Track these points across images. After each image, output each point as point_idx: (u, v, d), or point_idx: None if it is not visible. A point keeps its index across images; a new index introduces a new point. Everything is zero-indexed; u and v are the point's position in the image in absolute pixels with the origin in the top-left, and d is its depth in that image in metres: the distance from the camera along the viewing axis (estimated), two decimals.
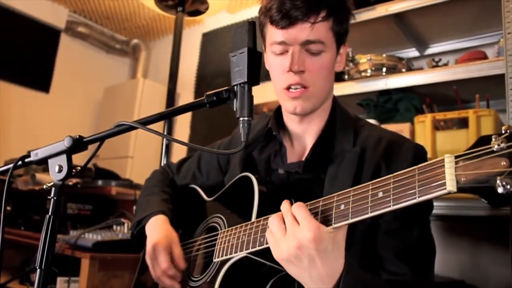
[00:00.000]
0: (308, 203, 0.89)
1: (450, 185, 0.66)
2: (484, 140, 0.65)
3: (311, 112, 1.16)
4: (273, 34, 1.11)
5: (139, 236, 1.36)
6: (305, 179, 1.15)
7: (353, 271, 0.85)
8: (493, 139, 0.64)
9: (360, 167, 1.08)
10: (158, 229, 1.26)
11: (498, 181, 0.61)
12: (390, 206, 0.74)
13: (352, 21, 1.18)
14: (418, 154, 1.09)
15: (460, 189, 0.66)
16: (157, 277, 1.21)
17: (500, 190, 0.61)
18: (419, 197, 0.70)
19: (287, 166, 1.19)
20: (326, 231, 0.81)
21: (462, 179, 0.65)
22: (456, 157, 0.67)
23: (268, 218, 0.96)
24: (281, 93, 1.14)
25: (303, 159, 1.18)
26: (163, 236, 1.22)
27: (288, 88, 1.11)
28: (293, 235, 0.81)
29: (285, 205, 0.88)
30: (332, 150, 1.14)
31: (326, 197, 0.86)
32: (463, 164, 0.66)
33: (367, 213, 0.77)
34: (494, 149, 0.63)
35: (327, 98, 1.20)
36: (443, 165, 0.68)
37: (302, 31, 1.06)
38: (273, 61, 1.14)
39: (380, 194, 0.76)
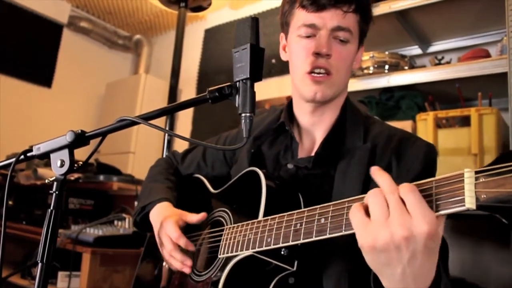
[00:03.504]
0: (418, 182, 0.72)
1: (469, 202, 0.62)
2: (507, 156, 0.61)
3: (326, 103, 1.16)
4: (302, 17, 1.11)
5: (142, 224, 1.36)
6: (314, 175, 1.14)
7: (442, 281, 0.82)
8: None
9: (371, 163, 1.07)
10: (164, 212, 1.25)
11: None
12: None
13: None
14: (429, 154, 1.09)
15: (480, 207, 0.62)
16: (168, 253, 1.18)
17: None
18: (436, 211, 0.66)
19: (296, 161, 1.18)
20: (441, 226, 0.69)
21: (482, 197, 0.61)
22: (476, 172, 0.63)
23: (275, 218, 0.95)
24: (303, 77, 1.13)
25: (313, 154, 1.17)
26: (171, 213, 1.22)
27: (311, 72, 1.10)
28: (402, 223, 0.66)
29: (387, 181, 0.72)
30: (342, 146, 1.14)
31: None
32: (484, 180, 0.62)
33: None
34: None
35: (342, 92, 1.20)
36: (462, 180, 0.64)
37: (334, 16, 1.09)
38: (297, 45, 1.14)
39: None
